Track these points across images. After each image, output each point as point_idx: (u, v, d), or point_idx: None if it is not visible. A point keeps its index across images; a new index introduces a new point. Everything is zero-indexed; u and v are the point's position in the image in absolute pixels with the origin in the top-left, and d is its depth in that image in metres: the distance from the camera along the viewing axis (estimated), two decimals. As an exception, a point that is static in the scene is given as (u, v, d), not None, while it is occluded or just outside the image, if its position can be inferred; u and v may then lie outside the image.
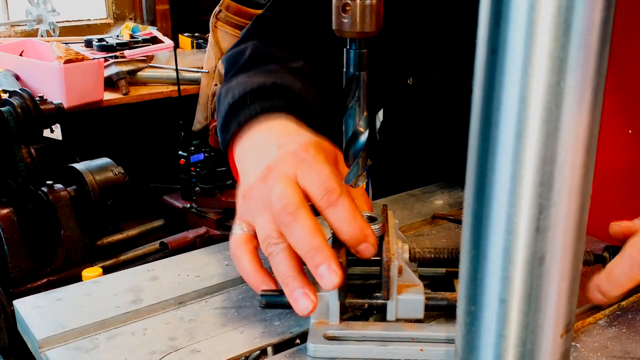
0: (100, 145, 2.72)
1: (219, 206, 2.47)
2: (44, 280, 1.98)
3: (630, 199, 0.90)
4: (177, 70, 2.59)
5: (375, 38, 0.62)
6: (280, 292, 0.67)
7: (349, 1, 0.62)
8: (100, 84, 2.55)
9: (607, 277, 0.63)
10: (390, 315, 0.67)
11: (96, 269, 1.89)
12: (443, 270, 0.77)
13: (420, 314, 0.67)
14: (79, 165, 2.15)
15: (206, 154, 2.46)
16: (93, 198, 2.10)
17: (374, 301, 0.67)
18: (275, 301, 0.67)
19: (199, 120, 2.88)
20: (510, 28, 0.36)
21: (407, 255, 0.71)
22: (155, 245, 2.33)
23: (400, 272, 0.66)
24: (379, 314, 0.70)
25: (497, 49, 0.36)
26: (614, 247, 0.71)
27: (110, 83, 2.66)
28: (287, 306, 0.66)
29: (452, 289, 0.73)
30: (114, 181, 2.15)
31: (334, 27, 0.65)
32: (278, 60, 0.79)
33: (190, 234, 2.37)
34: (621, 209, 0.78)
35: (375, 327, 0.68)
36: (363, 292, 0.68)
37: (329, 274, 0.60)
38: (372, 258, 0.70)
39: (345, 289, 0.66)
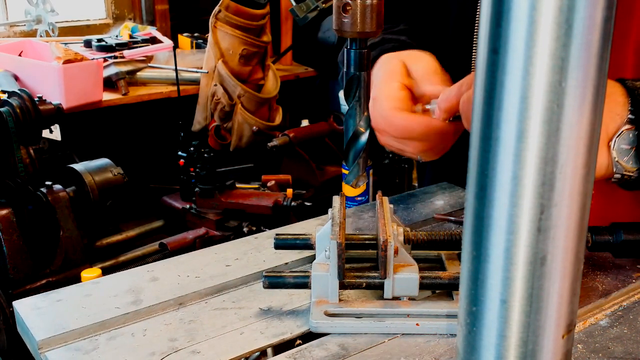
0: (100, 145, 2.72)
1: (218, 207, 2.47)
2: (43, 281, 1.97)
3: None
4: (176, 70, 2.59)
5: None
6: (282, 274, 0.72)
7: (350, 1, 0.62)
8: (100, 85, 2.54)
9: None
10: (387, 293, 0.71)
11: (95, 270, 1.88)
12: (435, 252, 0.81)
13: (415, 292, 0.71)
14: (78, 166, 2.14)
15: (205, 155, 2.46)
16: (92, 199, 2.10)
17: (372, 280, 0.71)
18: (278, 282, 0.72)
19: (199, 120, 2.88)
20: (511, 28, 0.35)
21: (402, 238, 0.76)
22: (154, 246, 2.33)
23: (396, 252, 0.70)
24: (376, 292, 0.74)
25: (499, 48, 0.36)
26: (596, 228, 0.76)
27: (110, 83, 2.66)
28: (289, 286, 0.72)
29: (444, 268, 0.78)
30: (113, 182, 2.15)
31: (334, 27, 0.65)
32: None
33: (190, 234, 2.37)
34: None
35: (372, 304, 0.71)
36: (361, 272, 0.72)
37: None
38: (368, 242, 0.76)
39: (344, 269, 0.69)
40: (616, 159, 0.71)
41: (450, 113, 0.79)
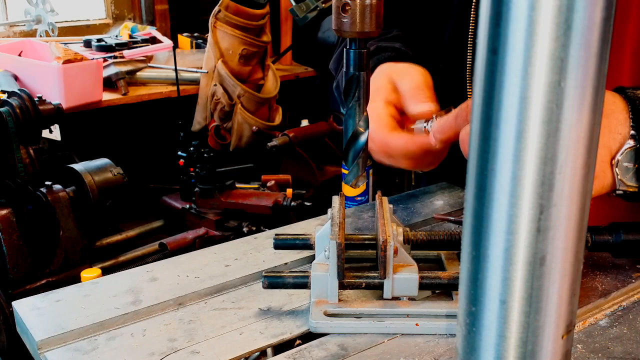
0: (99, 145, 2.72)
1: (218, 207, 2.47)
2: (43, 281, 1.97)
3: None
4: (176, 70, 2.59)
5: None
6: (282, 274, 0.72)
7: (349, 1, 0.62)
8: (99, 84, 2.54)
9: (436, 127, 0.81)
10: (386, 294, 0.71)
11: (95, 270, 1.88)
12: (435, 252, 0.81)
13: (415, 292, 0.71)
14: (78, 166, 2.14)
15: (205, 155, 2.45)
16: (92, 199, 2.10)
17: (371, 280, 0.71)
18: (277, 282, 0.72)
19: (198, 120, 2.88)
20: (510, 28, 0.35)
21: (401, 238, 0.76)
22: (154, 246, 2.33)
23: (395, 252, 0.70)
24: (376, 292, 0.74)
25: (498, 48, 0.36)
26: (596, 228, 0.76)
27: (109, 83, 2.66)
28: (288, 286, 0.72)
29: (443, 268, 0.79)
30: (113, 182, 2.15)
31: (333, 27, 0.65)
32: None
33: (190, 234, 2.37)
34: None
35: (372, 304, 0.71)
36: (360, 273, 0.72)
37: None
38: (367, 242, 0.76)
39: (344, 269, 0.69)
40: (619, 177, 0.71)
41: (447, 143, 0.80)
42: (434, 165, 0.88)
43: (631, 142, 0.71)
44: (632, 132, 0.71)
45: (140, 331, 0.70)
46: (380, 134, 0.84)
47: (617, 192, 0.73)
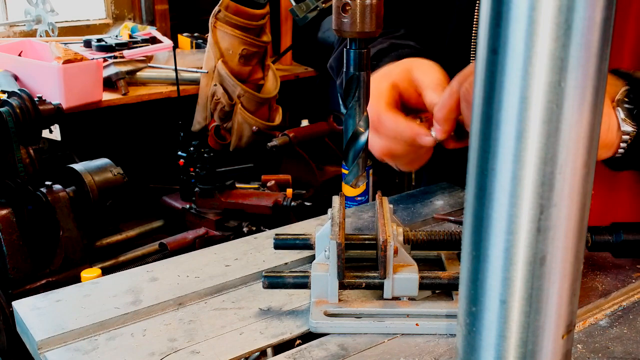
0: (99, 145, 2.72)
1: (218, 207, 2.47)
2: (43, 281, 1.97)
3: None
4: (176, 70, 2.59)
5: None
6: (282, 274, 0.72)
7: (349, 1, 0.62)
8: (99, 84, 2.54)
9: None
10: (386, 293, 0.71)
11: (95, 270, 1.88)
12: (435, 252, 0.81)
13: (415, 292, 0.71)
14: (78, 166, 2.14)
15: (205, 155, 2.45)
16: (92, 199, 2.10)
17: (371, 280, 0.71)
18: (277, 282, 0.72)
19: (199, 120, 2.88)
20: (510, 28, 0.35)
21: (401, 238, 0.76)
22: (154, 246, 2.33)
23: (395, 252, 0.70)
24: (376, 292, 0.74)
25: (498, 48, 0.36)
26: (596, 228, 0.76)
27: (109, 83, 2.66)
28: (288, 286, 0.72)
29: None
30: (113, 182, 2.15)
31: (333, 27, 0.65)
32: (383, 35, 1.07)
33: (190, 234, 2.37)
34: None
35: (372, 304, 0.71)
36: (360, 272, 0.72)
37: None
38: (367, 242, 0.76)
39: (344, 269, 0.69)
40: (622, 118, 0.73)
41: (450, 121, 0.77)
42: (415, 165, 0.86)
43: (626, 87, 0.75)
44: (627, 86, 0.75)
45: (140, 331, 0.70)
46: (376, 107, 0.80)
47: (621, 145, 0.74)
